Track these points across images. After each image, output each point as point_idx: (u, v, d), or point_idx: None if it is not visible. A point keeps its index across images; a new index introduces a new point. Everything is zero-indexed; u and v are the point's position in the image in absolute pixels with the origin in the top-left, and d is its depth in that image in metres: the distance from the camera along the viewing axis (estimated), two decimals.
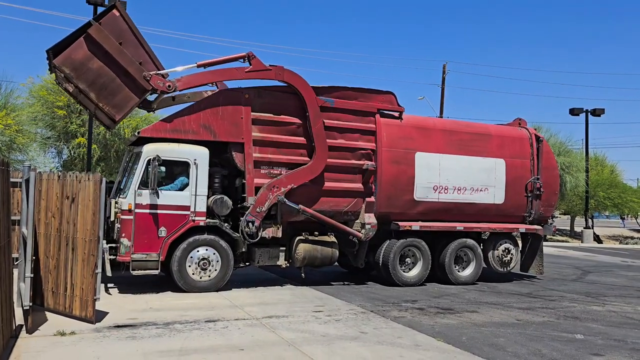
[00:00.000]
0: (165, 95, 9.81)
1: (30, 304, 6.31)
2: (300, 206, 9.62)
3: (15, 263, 7.26)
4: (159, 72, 9.04)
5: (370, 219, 10.28)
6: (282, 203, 9.53)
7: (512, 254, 11.83)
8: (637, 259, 19.80)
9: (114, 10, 8.81)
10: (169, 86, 9.00)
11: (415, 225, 10.67)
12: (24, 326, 6.26)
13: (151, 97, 9.92)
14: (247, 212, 9.34)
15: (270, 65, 9.64)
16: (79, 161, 18.07)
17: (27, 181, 6.56)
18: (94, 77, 8.65)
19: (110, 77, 8.71)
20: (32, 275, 6.41)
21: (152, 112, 10.30)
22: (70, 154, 18.37)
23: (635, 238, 32.49)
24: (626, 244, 30.01)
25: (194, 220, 9.08)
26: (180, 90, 9.34)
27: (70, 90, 8.80)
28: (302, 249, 9.94)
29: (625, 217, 28.12)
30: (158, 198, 8.85)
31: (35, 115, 17.76)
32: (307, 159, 9.92)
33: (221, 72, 9.60)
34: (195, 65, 9.37)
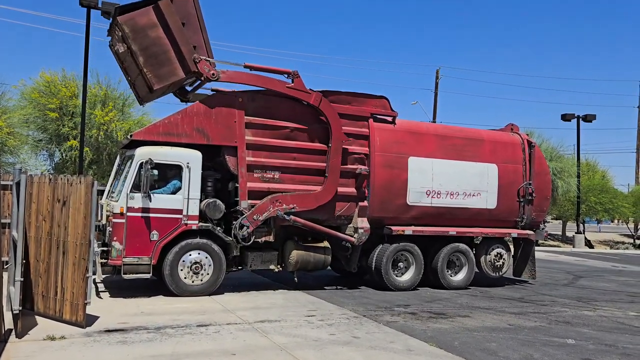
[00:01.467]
0: (201, 91, 10.02)
1: (20, 308, 6.25)
2: (292, 217, 9.63)
3: (5, 266, 7.20)
4: (208, 59, 9.26)
5: (363, 223, 10.28)
6: (279, 217, 9.58)
7: (504, 259, 11.87)
8: (628, 264, 19.93)
9: None
10: (213, 74, 9.27)
11: (408, 230, 10.69)
12: (14, 330, 6.20)
13: (189, 88, 10.31)
14: (242, 216, 9.32)
15: (310, 89, 9.87)
16: (70, 164, 17.96)
17: (18, 184, 6.51)
18: (149, 44, 8.96)
19: (163, 49, 9.03)
20: (22, 279, 6.35)
21: (187, 101, 10.54)
22: (62, 156, 18.27)
23: (626, 243, 32.72)
24: (617, 249, 30.21)
25: (186, 224, 9.04)
26: (221, 82, 9.56)
27: (121, 51, 9.10)
28: (295, 253, 9.93)
29: (601, 220, 28.08)
30: (150, 201, 8.80)
31: (27, 117, 17.66)
32: (300, 162, 9.93)
33: (264, 79, 9.74)
34: (243, 65, 9.62)
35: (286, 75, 9.88)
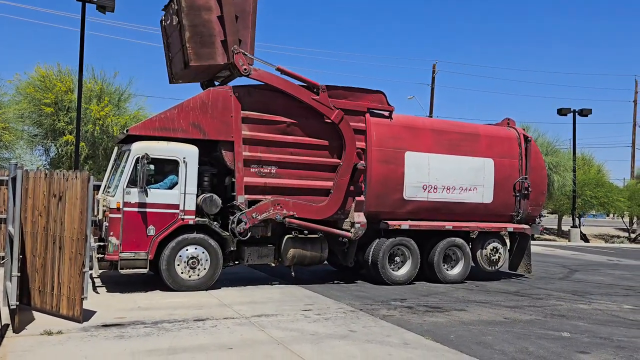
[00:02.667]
0: (230, 84, 10.09)
1: (17, 303, 6.25)
2: (287, 220, 9.68)
3: (2, 262, 7.20)
4: (245, 52, 9.49)
5: (359, 218, 10.30)
6: (276, 220, 9.64)
7: (500, 253, 11.91)
8: (623, 258, 20.05)
9: None
10: (245, 69, 9.49)
11: (405, 225, 10.72)
12: (11, 325, 6.20)
13: (217, 83, 10.59)
14: (240, 212, 9.33)
15: (333, 106, 10.01)
16: (66, 159, 17.90)
17: (14, 179, 6.50)
18: (199, 23, 9.40)
19: (209, 32, 9.45)
20: (19, 274, 6.35)
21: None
22: (58, 151, 18.19)
23: (621, 237, 32.88)
24: (612, 242, 30.36)
25: (183, 219, 9.04)
26: (250, 79, 9.71)
27: (173, 24, 9.66)
28: (292, 248, 9.94)
29: (583, 215, 27.94)
30: (147, 196, 8.79)
31: (22, 112, 17.55)
32: (297, 157, 9.94)
33: (292, 85, 9.90)
34: (276, 67, 9.78)
35: (314, 89, 9.98)
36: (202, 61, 9.48)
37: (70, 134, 17.31)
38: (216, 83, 10.60)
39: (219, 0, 9.40)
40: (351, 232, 10.27)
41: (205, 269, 9.16)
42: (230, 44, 9.41)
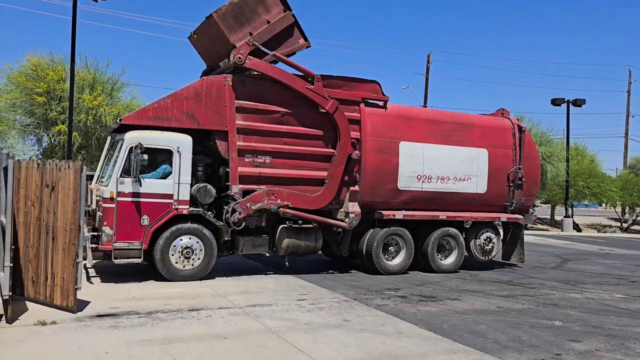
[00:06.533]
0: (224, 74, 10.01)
1: (10, 293, 6.23)
2: (281, 209, 9.67)
3: None
4: (262, 48, 9.61)
5: (354, 207, 10.31)
6: (270, 209, 9.63)
7: (493, 243, 11.97)
8: (615, 247, 20.21)
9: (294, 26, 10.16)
10: (240, 58, 9.43)
11: (399, 214, 10.74)
12: (4, 316, 6.17)
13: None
14: (235, 202, 9.32)
15: (328, 96, 10.00)
16: (59, 149, 17.80)
17: (6, 169, 6.44)
18: (252, 4, 9.73)
19: (247, 18, 9.73)
20: (11, 265, 6.32)
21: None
22: (51, 141, 18.09)
23: (613, 226, 33.13)
24: (604, 232, 30.60)
25: (177, 209, 9.01)
26: (244, 68, 9.68)
27: None
28: (286, 238, 9.95)
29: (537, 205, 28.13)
30: (140, 186, 8.75)
31: (13, 101, 17.41)
32: (291, 147, 9.91)
33: (286, 74, 9.89)
34: (271, 53, 9.75)
35: (309, 78, 9.94)
36: (221, 23, 9.50)
37: (63, 124, 17.19)
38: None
39: (280, 16, 9.85)
40: (345, 222, 10.28)
41: (199, 258, 9.16)
42: (253, 34, 9.58)
